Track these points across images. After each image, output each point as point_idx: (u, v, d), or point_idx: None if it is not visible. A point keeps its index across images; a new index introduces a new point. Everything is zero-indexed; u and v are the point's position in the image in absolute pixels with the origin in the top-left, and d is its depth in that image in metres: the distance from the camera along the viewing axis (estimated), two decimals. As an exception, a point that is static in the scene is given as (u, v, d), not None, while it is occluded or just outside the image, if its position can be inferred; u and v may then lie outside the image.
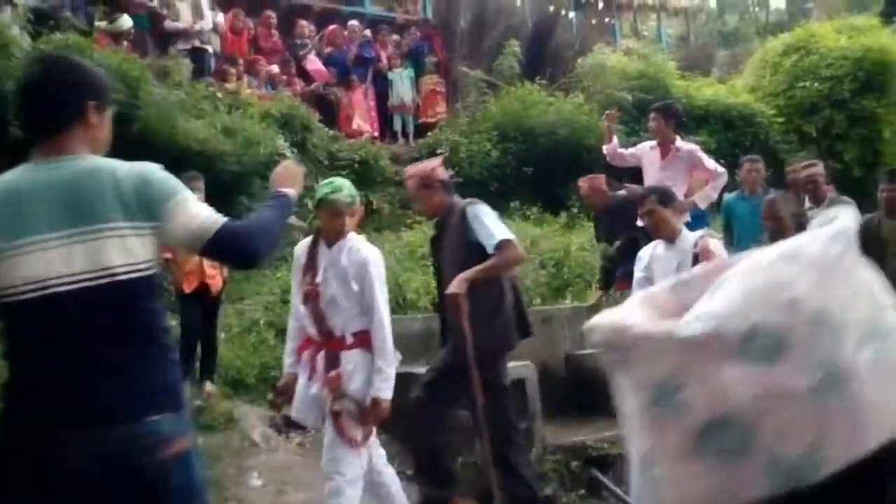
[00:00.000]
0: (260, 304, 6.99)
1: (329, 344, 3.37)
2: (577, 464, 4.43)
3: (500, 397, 3.80)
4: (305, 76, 10.56)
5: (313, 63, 10.64)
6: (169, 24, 9.41)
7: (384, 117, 11.17)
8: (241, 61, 9.65)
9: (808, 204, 6.01)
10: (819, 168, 6.16)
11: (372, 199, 9.77)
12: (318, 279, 3.45)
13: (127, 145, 7.47)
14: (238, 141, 7.98)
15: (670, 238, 4.21)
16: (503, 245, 3.64)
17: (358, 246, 3.52)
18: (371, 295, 3.39)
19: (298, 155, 9.15)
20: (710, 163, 5.98)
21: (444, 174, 4.05)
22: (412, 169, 4.21)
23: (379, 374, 3.30)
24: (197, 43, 9.42)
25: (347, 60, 11.00)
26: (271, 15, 10.62)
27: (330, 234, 3.53)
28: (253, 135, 8.17)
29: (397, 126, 11.18)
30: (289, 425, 5.43)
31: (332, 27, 11.29)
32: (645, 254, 4.36)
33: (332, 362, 3.34)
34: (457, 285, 3.53)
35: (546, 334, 5.51)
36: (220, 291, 5.66)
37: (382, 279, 3.50)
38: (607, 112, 6.55)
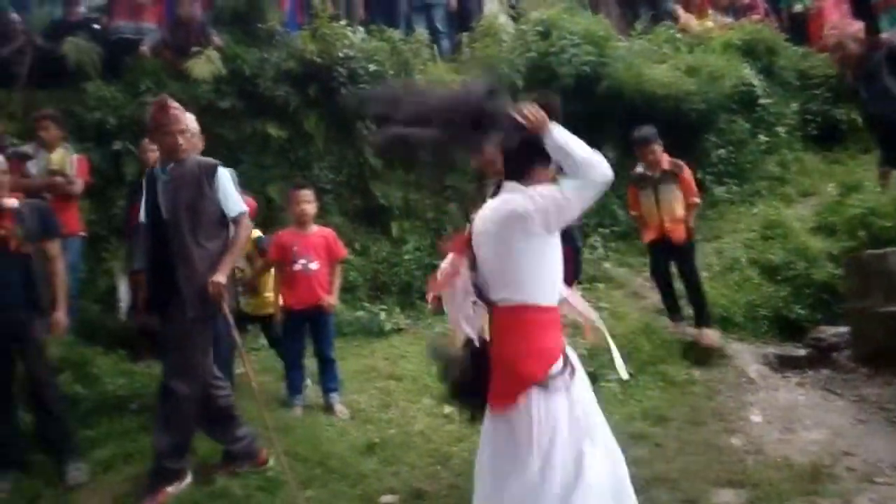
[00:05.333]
0: (738, 241, 6.94)
1: None
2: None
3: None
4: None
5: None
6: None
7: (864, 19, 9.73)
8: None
9: None
10: None
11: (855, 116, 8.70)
12: None
13: (596, 103, 8.04)
14: (702, 78, 7.91)
15: None
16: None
17: None
18: None
19: (765, 81, 8.67)
20: None
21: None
22: None
23: None
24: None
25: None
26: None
27: None
28: (717, 69, 8.01)
29: (884, 25, 9.61)
30: (783, 364, 5.36)
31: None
32: None
33: None
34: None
35: None
36: (686, 238, 5.39)
37: None
38: None
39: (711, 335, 5.35)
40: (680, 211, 5.35)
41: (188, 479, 3.72)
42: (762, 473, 3.67)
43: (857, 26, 4.90)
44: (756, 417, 4.46)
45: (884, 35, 5.26)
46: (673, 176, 5.37)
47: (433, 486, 3.72)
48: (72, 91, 6.62)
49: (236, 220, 3.73)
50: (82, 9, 7.41)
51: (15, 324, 3.84)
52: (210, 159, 3.84)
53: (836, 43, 4.82)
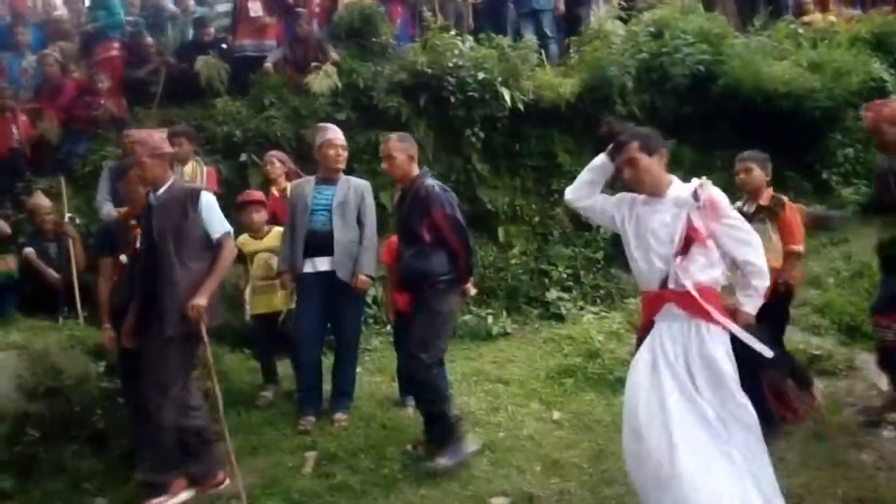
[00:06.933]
0: (867, 245, 6.54)
1: None
2: None
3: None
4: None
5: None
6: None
7: None
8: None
9: None
10: None
11: None
12: None
13: (711, 102, 7.79)
14: (827, 74, 7.52)
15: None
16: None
17: None
18: None
19: (897, 76, 8.13)
20: None
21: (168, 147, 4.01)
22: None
23: None
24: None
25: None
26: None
27: None
28: (843, 64, 7.59)
29: None
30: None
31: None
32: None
33: None
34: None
35: None
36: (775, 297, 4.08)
37: None
38: None
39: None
40: (774, 260, 4.01)
41: (183, 494, 3.79)
42: (896, 492, 3.46)
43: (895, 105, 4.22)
44: (888, 433, 4.20)
45: None
46: (770, 214, 4.32)
47: (544, 491, 3.74)
48: (202, 107, 7.11)
49: (220, 241, 3.84)
50: (212, 29, 7.94)
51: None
52: (195, 185, 4.07)
53: (872, 127, 4.20)
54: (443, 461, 3.86)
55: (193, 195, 3.86)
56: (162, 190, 3.86)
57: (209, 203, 3.87)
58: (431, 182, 4.05)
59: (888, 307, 4.20)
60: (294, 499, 3.73)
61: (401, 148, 4.11)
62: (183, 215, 3.79)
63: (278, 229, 5.14)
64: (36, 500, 3.93)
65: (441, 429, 3.95)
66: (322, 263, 4.66)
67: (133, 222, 4.22)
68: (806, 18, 8.58)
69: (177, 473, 3.81)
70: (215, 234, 3.84)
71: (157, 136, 3.98)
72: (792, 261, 4.30)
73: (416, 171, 4.14)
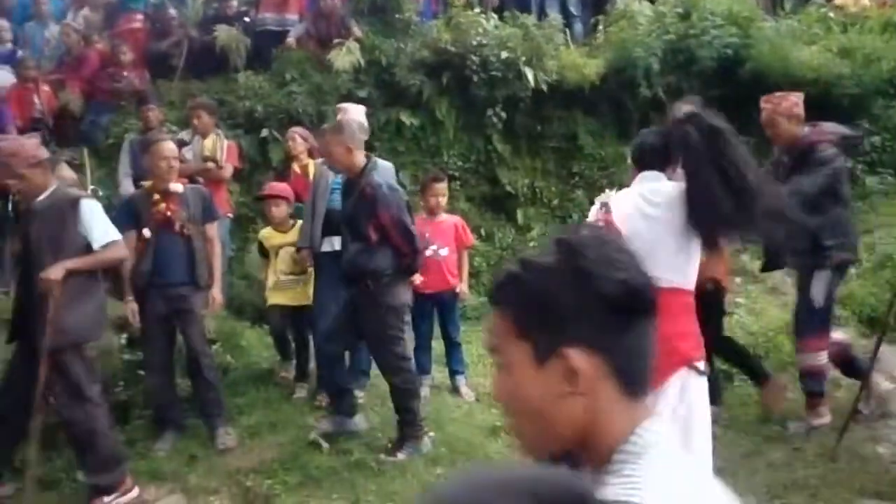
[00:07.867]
0: (892, 236, 6.45)
1: None
2: None
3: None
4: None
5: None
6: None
7: None
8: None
9: None
10: None
11: None
12: None
13: (739, 87, 7.65)
14: (856, 60, 7.37)
15: None
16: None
17: None
18: None
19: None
20: None
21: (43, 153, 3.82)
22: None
23: None
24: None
25: None
26: None
27: None
28: (873, 50, 7.43)
29: None
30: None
31: None
32: None
33: None
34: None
35: None
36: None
37: None
38: None
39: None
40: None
41: (134, 492, 3.77)
42: (912, 487, 3.44)
43: (794, 99, 4.19)
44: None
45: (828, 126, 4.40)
46: None
47: (558, 473, 3.75)
48: (223, 81, 7.09)
49: (106, 248, 3.70)
50: (234, 2, 7.90)
51: (177, 298, 4.19)
52: (76, 192, 3.91)
53: (769, 119, 4.15)
54: (402, 456, 3.90)
55: (73, 203, 3.69)
56: (43, 196, 3.70)
57: (90, 211, 3.70)
58: (379, 181, 3.90)
59: (806, 334, 4.19)
60: (312, 475, 3.78)
61: (336, 141, 3.95)
62: (61, 223, 3.64)
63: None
64: (59, 468, 4.02)
65: (407, 426, 3.98)
66: (340, 242, 4.66)
67: (157, 196, 4.26)
68: (837, 2, 8.37)
69: (123, 470, 3.75)
70: (96, 243, 3.66)
71: (30, 144, 3.85)
72: (716, 257, 4.06)
73: (360, 160, 3.98)
